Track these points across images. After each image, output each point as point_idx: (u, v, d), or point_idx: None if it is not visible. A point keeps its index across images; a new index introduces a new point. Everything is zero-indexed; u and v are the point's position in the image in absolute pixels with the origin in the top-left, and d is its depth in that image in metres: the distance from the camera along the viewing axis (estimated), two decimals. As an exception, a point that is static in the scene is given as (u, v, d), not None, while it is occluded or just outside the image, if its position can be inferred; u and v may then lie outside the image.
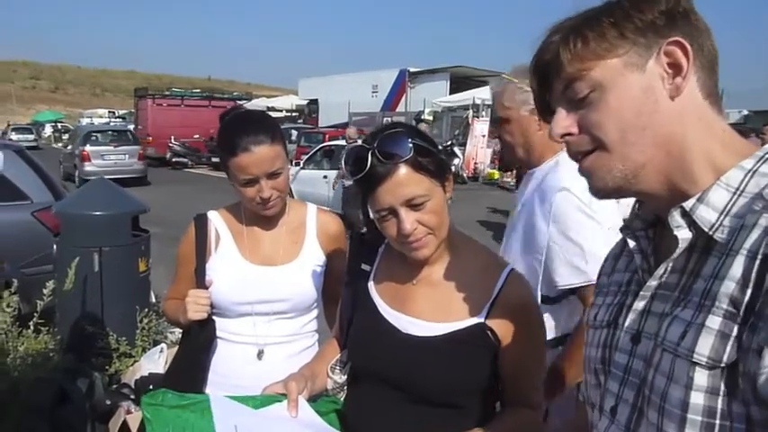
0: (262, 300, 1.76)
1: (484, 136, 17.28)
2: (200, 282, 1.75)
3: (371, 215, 1.29)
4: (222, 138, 1.71)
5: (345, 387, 1.46)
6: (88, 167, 16.57)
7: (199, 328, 1.74)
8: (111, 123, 36.00)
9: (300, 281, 1.80)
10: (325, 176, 11.24)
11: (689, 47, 0.79)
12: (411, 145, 1.21)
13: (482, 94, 21.51)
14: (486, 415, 1.33)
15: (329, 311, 1.92)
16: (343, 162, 1.30)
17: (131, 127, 24.00)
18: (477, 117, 19.78)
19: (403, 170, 1.21)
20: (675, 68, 0.79)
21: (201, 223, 1.83)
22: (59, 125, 46.28)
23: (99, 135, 18.28)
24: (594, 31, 0.82)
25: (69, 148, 19.03)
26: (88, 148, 17.18)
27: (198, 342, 1.76)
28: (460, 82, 26.39)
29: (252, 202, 1.71)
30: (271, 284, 1.76)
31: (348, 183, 10.51)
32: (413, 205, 1.22)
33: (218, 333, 1.78)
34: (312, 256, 1.84)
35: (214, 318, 1.76)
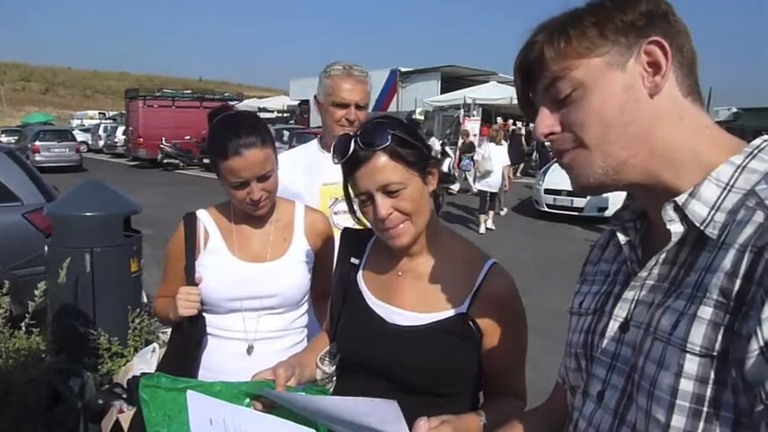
0: (251, 296, 1.79)
1: (475, 135, 17.32)
2: (190, 279, 1.79)
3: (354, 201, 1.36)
4: (212, 140, 1.73)
5: (334, 378, 1.49)
6: (38, 158, 21.29)
7: (189, 324, 1.77)
8: (102, 125, 35.89)
9: (289, 277, 1.83)
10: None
11: (668, 46, 0.81)
12: (390, 135, 1.27)
13: (473, 93, 21.59)
14: (472, 403, 1.38)
15: (318, 308, 1.96)
16: (331, 149, 1.37)
17: (122, 129, 25.12)
18: (468, 116, 19.84)
19: (381, 157, 1.28)
20: (655, 67, 0.82)
21: (191, 221, 1.87)
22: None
23: (46, 133, 23.25)
24: (577, 29, 0.84)
25: (21, 143, 23.80)
26: (38, 143, 22.19)
27: (188, 338, 1.79)
28: (451, 81, 26.45)
29: (242, 203, 1.75)
30: (260, 281, 1.80)
31: None
32: (388, 192, 1.28)
33: (209, 329, 1.81)
34: (300, 253, 1.88)
35: (204, 314, 1.79)
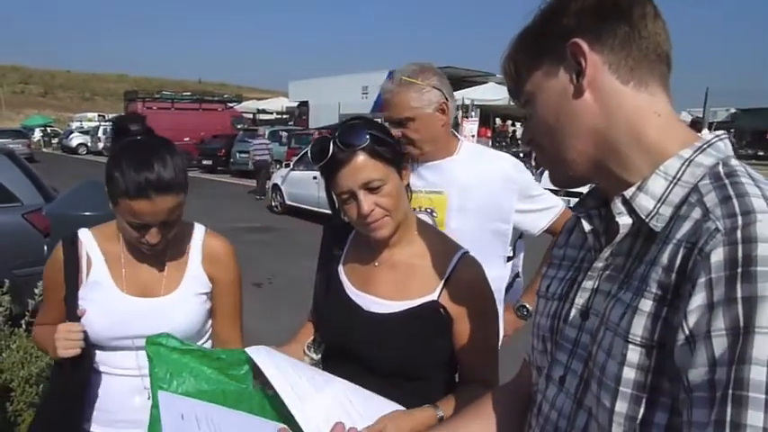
0: (142, 334, 1.48)
1: (473, 136, 17.39)
2: (71, 313, 1.56)
3: (335, 200, 1.42)
4: (119, 168, 1.44)
5: (320, 365, 1.55)
6: (-6, 152, 25.23)
7: (72, 366, 1.53)
8: (102, 127, 36.00)
9: (184, 314, 1.63)
10: (314, 177, 11.26)
11: (584, 44, 0.83)
12: (368, 135, 1.34)
13: (471, 94, 21.66)
14: (447, 387, 1.45)
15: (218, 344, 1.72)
16: (309, 152, 1.41)
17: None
18: (467, 117, 19.88)
19: (361, 157, 1.33)
20: (580, 66, 0.84)
21: (71, 245, 1.63)
22: (49, 129, 46.14)
23: (2, 133, 28.93)
24: (521, 49, 0.92)
25: (-19, 142, 25.92)
26: (-5, 140, 26.09)
27: (72, 380, 1.56)
28: (450, 82, 26.49)
29: (135, 242, 1.54)
30: (150, 318, 1.57)
31: None
32: (370, 188, 1.34)
33: (100, 367, 1.61)
34: (196, 285, 1.67)
35: (93, 349, 1.58)
